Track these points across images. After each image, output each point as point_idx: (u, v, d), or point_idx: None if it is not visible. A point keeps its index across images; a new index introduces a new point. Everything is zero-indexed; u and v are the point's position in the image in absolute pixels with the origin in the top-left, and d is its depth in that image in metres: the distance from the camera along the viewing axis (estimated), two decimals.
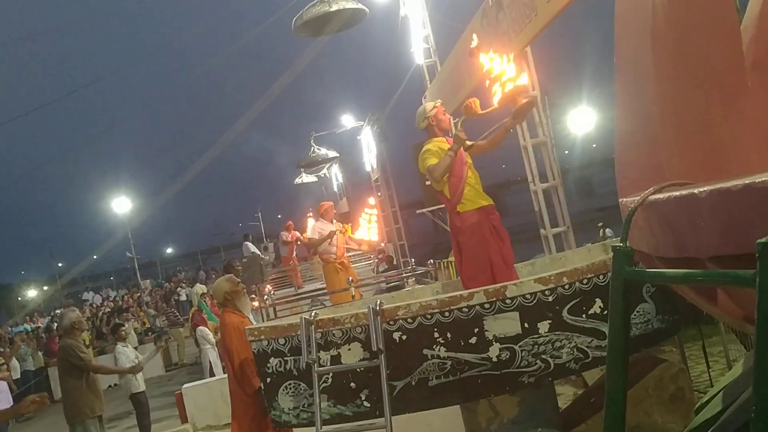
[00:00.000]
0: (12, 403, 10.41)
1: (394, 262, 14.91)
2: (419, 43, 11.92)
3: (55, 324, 17.58)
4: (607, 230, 17.72)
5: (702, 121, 1.71)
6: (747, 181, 1.13)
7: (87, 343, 15.49)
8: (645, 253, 1.55)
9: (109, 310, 25.78)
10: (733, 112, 1.82)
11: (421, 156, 5.21)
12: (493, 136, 5.46)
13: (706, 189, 1.24)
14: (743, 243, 1.13)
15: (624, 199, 1.70)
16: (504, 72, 5.02)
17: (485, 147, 5.37)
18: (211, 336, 11.73)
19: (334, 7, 8.97)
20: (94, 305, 31.03)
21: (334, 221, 10.49)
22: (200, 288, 14.44)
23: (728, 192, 1.18)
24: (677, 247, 1.39)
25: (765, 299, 1.00)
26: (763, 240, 1.01)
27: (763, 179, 1.09)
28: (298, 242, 17.57)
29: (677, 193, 1.35)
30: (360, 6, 9.58)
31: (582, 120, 21.99)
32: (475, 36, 5.39)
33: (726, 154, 1.73)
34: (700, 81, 1.79)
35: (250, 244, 18.92)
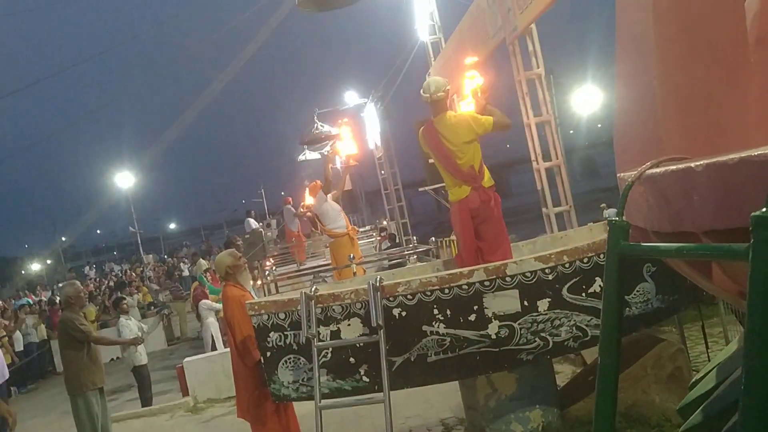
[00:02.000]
0: (7, 377, 10.51)
1: (397, 240, 14.90)
2: (424, 20, 11.83)
3: (57, 297, 17.70)
4: (610, 210, 17.69)
5: (703, 97, 1.70)
6: (743, 155, 1.12)
7: (92, 318, 15.62)
8: (641, 227, 1.55)
9: (113, 284, 25.90)
10: (735, 87, 1.80)
11: (474, 119, 5.22)
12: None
13: (702, 163, 1.23)
14: (738, 217, 1.12)
15: (622, 174, 1.69)
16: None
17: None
18: (214, 305, 11.74)
19: None
20: (97, 279, 31.18)
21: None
22: (203, 264, 14.47)
23: (724, 166, 1.17)
24: (673, 222, 1.39)
25: (757, 273, 1.00)
26: (757, 213, 1.00)
27: (759, 152, 1.09)
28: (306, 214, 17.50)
29: (674, 167, 1.34)
30: None
31: (587, 99, 21.86)
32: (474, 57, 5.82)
33: (727, 130, 1.72)
34: (702, 56, 1.77)
35: (252, 220, 18.90)
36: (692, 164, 1.27)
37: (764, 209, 1.00)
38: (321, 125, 19.47)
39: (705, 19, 1.82)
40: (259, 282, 10.05)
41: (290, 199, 19.43)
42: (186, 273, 25.71)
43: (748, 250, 1.01)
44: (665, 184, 1.38)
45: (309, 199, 10.14)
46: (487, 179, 5.19)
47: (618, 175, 1.75)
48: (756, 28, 1.98)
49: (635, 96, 1.82)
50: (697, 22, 1.79)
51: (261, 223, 21.56)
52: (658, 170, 1.42)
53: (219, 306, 10.99)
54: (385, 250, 13.23)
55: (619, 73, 1.93)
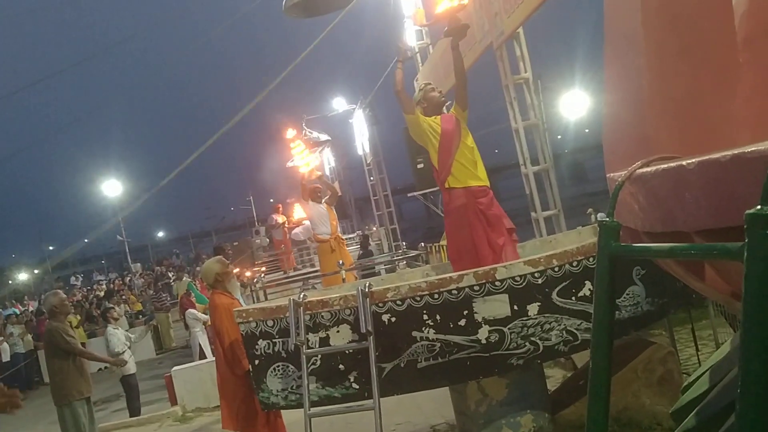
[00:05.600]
0: None
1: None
2: (411, 26, 11.82)
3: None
4: (599, 215, 17.65)
5: (692, 96, 1.68)
6: (736, 152, 1.10)
7: (74, 325, 15.49)
8: (632, 228, 1.53)
9: (102, 294, 25.72)
10: (724, 87, 1.79)
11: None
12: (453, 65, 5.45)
13: (694, 161, 1.21)
14: (731, 215, 1.10)
15: (611, 174, 1.67)
16: None
17: (456, 77, 5.35)
18: (201, 315, 11.70)
19: None
20: (84, 289, 30.95)
21: (324, 201, 10.24)
22: (185, 282, 14.36)
23: (716, 163, 1.15)
24: (664, 222, 1.36)
25: (752, 272, 0.97)
26: (752, 211, 0.98)
27: (752, 149, 1.06)
28: (287, 225, 17.51)
29: (665, 166, 1.32)
30: None
31: (575, 104, 21.92)
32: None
33: (716, 129, 1.70)
34: (691, 56, 1.76)
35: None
36: (684, 162, 1.24)
37: (759, 206, 0.98)
38: (309, 132, 19.43)
39: (693, 19, 1.80)
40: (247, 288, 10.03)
41: (280, 206, 19.39)
42: (173, 282, 25.58)
43: (743, 249, 0.99)
44: (656, 183, 1.36)
45: (298, 212, 10.23)
46: (457, 181, 5.13)
47: (607, 175, 1.73)
48: (744, 28, 1.97)
49: (624, 96, 1.80)
50: (686, 22, 1.77)
51: (250, 230, 21.52)
52: (648, 169, 1.40)
53: (206, 317, 10.93)
54: (358, 259, 13.12)
55: (608, 74, 1.91)
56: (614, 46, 1.84)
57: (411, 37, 11.92)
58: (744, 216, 0.98)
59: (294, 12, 9.50)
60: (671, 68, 1.71)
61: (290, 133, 11.46)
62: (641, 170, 1.42)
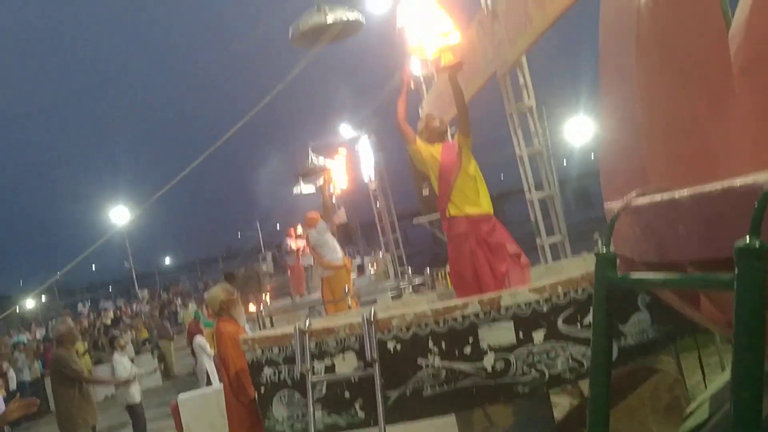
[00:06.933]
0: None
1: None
2: (415, 57, 11.93)
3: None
4: (596, 242, 17.57)
5: (688, 124, 1.71)
6: (726, 185, 1.12)
7: (81, 352, 15.49)
8: (628, 258, 1.55)
9: (109, 322, 25.71)
10: (720, 115, 1.81)
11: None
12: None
13: (686, 192, 1.24)
14: (723, 246, 1.12)
15: (608, 204, 1.70)
16: (438, 24, 4.99)
17: (457, 107, 5.40)
18: (208, 346, 11.69)
19: (331, 19, 8.98)
20: (91, 316, 30.96)
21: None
22: (192, 311, 14.37)
23: (707, 195, 1.17)
24: (659, 252, 1.38)
25: (742, 303, 0.99)
26: (741, 243, 1.00)
27: (742, 182, 1.09)
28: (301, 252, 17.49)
29: (659, 197, 1.35)
30: (357, 17, 9.59)
31: (580, 130, 22.02)
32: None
33: (713, 157, 1.73)
34: (686, 85, 1.79)
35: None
36: (676, 194, 1.27)
37: (747, 239, 1.00)
38: (315, 157, 19.54)
39: (688, 50, 1.84)
40: (253, 308, 9.95)
41: (293, 230, 19.43)
42: (179, 309, 25.59)
43: (733, 281, 1.01)
44: (650, 214, 1.39)
45: (302, 231, 10.09)
46: (456, 209, 5.18)
47: (605, 204, 1.75)
48: (740, 58, 2.00)
49: (620, 125, 1.83)
50: (681, 53, 1.81)
51: (257, 256, 21.57)
52: (643, 200, 1.42)
53: (211, 352, 10.90)
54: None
55: (603, 104, 1.94)
56: (609, 77, 1.87)
57: (416, 67, 12.03)
58: (733, 248, 1.00)
59: (300, 42, 9.61)
60: (666, 98, 1.74)
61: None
62: (636, 201, 1.45)
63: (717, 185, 1.14)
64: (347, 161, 10.68)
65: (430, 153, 5.20)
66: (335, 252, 9.80)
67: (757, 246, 1.00)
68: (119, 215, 32.76)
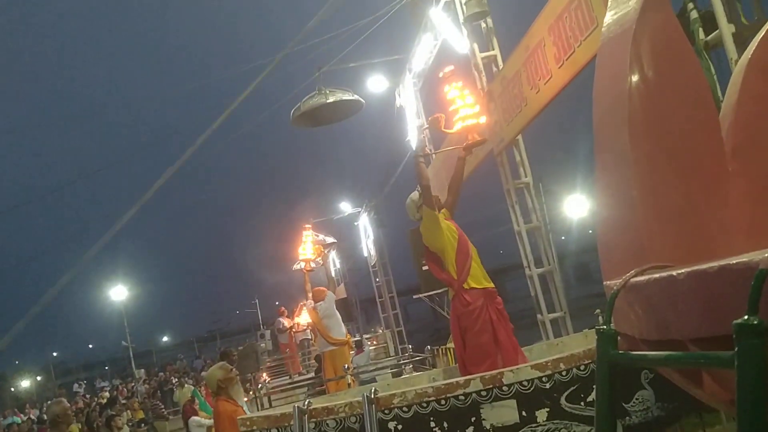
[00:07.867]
0: None
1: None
2: (414, 132, 12.17)
3: (45, 416, 17.16)
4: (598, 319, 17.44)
5: (683, 207, 1.75)
6: (722, 263, 1.15)
7: None
8: (630, 335, 1.56)
9: (104, 401, 25.16)
10: (715, 197, 1.85)
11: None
12: (453, 172, 5.59)
13: (683, 271, 1.26)
14: (722, 324, 1.14)
15: (608, 282, 1.71)
16: (467, 106, 5.39)
17: (452, 185, 5.51)
18: (204, 421, 11.40)
19: (331, 99, 9.21)
20: (87, 396, 30.33)
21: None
22: (188, 390, 14.10)
23: (705, 274, 1.19)
24: (660, 330, 1.39)
25: (744, 380, 1.00)
26: (739, 321, 1.02)
27: (738, 261, 1.11)
28: (294, 329, 17.36)
29: (657, 276, 1.37)
30: (357, 98, 9.84)
31: (578, 205, 22.21)
32: (450, 67, 5.69)
33: (709, 237, 1.76)
34: (680, 167, 1.84)
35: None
36: (674, 273, 1.29)
37: (746, 317, 1.02)
38: (316, 235, 19.60)
39: (680, 133, 1.89)
40: (251, 393, 9.76)
41: (284, 309, 19.29)
42: (175, 388, 25.09)
43: (734, 358, 1.02)
44: (650, 292, 1.40)
45: (304, 316, 9.97)
46: (476, 282, 5.19)
47: (604, 282, 1.77)
48: (732, 139, 2.06)
49: (617, 206, 1.86)
50: (673, 136, 1.86)
51: (255, 335, 21.33)
52: (642, 278, 1.44)
53: (210, 422, 10.61)
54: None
55: (599, 185, 1.98)
56: (604, 161, 1.92)
57: (414, 143, 12.24)
58: (732, 326, 1.02)
59: (301, 123, 9.83)
60: (661, 179, 1.79)
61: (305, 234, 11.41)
62: (635, 279, 1.47)
63: (714, 264, 1.16)
64: (313, 236, 10.87)
65: (448, 225, 5.28)
66: (341, 326, 9.72)
67: (755, 323, 1.02)
68: (118, 294, 32.60)
